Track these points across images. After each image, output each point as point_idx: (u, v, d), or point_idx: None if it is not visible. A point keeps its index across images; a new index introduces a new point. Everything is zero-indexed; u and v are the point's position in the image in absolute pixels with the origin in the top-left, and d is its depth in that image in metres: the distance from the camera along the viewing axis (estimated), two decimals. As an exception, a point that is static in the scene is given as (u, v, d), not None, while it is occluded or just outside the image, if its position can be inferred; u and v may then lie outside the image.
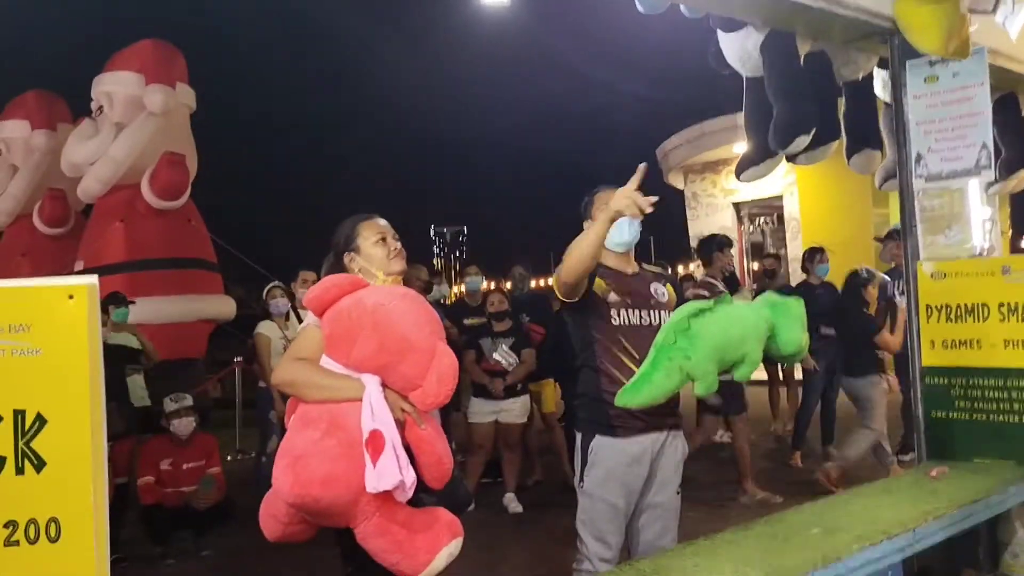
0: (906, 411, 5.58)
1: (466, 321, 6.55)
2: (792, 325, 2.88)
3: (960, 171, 3.78)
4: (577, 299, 2.83)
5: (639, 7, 3.95)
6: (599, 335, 2.86)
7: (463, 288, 7.45)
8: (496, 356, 5.87)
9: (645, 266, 3.11)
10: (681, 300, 3.08)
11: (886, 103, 4.74)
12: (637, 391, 2.64)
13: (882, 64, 4.41)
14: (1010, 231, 10.05)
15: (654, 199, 2.56)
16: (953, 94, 3.79)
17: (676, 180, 14.59)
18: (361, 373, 2.29)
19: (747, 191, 12.78)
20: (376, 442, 2.15)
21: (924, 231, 3.86)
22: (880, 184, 5.07)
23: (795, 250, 12.35)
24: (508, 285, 7.52)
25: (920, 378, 3.80)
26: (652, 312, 2.92)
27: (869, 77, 4.65)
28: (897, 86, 3.95)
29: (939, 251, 3.84)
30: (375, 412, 2.19)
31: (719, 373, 2.71)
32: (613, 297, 2.86)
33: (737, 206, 13.82)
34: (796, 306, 2.92)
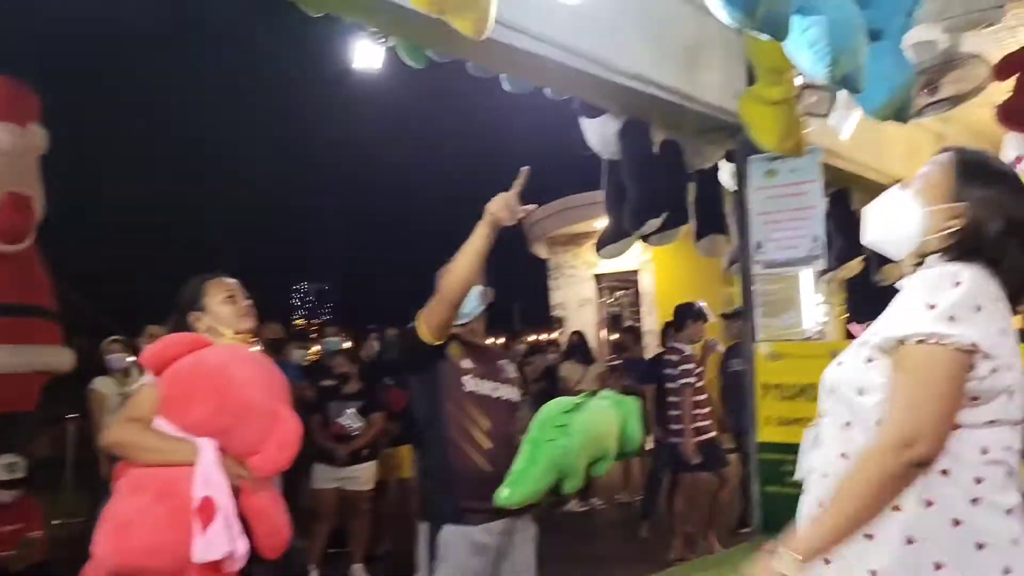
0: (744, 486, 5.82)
1: (323, 383, 6.41)
2: (634, 422, 2.96)
3: (794, 260, 4.06)
4: (441, 343, 2.69)
5: (506, 86, 4.10)
6: (449, 403, 2.72)
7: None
8: (341, 420, 5.73)
9: (493, 342, 3.09)
10: (524, 379, 3.10)
11: (732, 192, 5.05)
12: (518, 488, 2.59)
13: (729, 156, 4.70)
14: (846, 316, 10.75)
15: (530, 207, 2.56)
16: (790, 188, 4.10)
17: (540, 250, 14.91)
18: (197, 436, 2.21)
19: (607, 264, 13.19)
20: (207, 510, 2.07)
21: (762, 314, 4.11)
22: (727, 267, 5.35)
23: (650, 324, 12.78)
24: (376, 346, 7.43)
25: (755, 453, 3.99)
26: (502, 386, 2.83)
27: (717, 167, 4.95)
28: (741, 178, 4.23)
29: (775, 333, 4.09)
30: (208, 478, 2.12)
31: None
32: (468, 363, 2.76)
33: (598, 278, 14.22)
34: (635, 404, 3.04)
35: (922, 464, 1.53)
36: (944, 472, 1.55)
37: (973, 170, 1.70)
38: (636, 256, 12.51)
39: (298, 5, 3.00)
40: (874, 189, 5.51)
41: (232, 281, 2.56)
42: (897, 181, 1.87)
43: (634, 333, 9.89)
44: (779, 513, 4.05)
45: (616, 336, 12.64)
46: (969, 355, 1.53)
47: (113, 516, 2.17)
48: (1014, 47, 3.97)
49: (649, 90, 3.69)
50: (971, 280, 1.58)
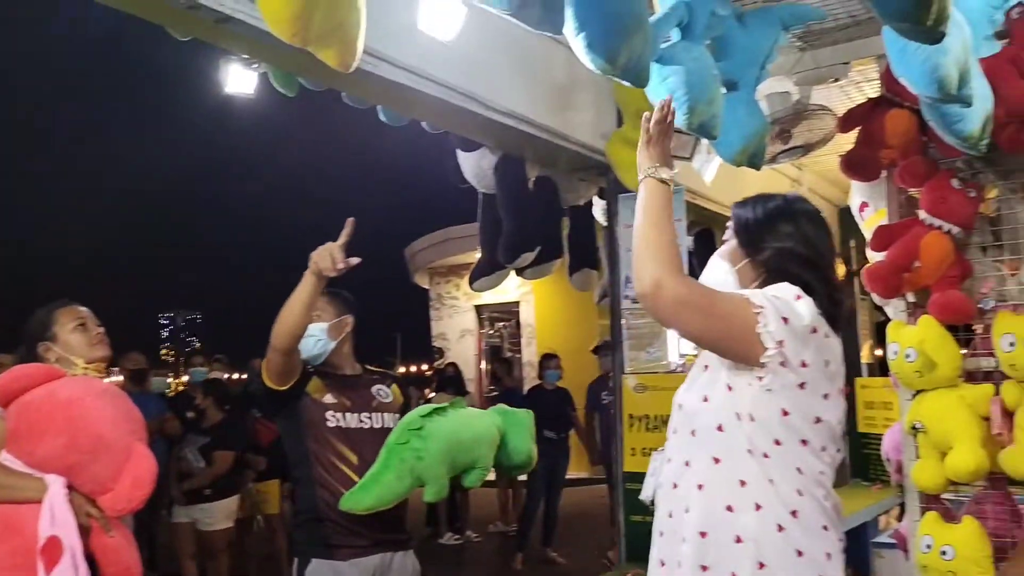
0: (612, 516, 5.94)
1: (189, 415, 6.22)
2: (522, 434, 2.90)
3: (659, 295, 4.20)
4: (288, 387, 2.65)
5: (382, 117, 4.12)
6: (314, 442, 2.68)
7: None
8: (185, 455, 5.54)
9: (369, 368, 2.99)
10: (407, 401, 3.00)
11: (605, 227, 5.19)
12: (366, 492, 2.52)
13: (601, 193, 4.85)
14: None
15: (354, 261, 2.53)
16: (657, 227, 4.24)
17: (422, 280, 14.91)
18: (45, 472, 2.11)
19: (488, 296, 13.29)
20: (53, 550, 1.98)
21: (629, 347, 4.23)
22: (598, 301, 5.48)
23: (530, 355, 12.94)
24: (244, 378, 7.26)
25: (621, 484, 4.09)
26: (374, 415, 2.78)
27: (590, 203, 5.09)
28: (611, 215, 4.37)
29: (641, 365, 4.21)
30: (56, 517, 2.03)
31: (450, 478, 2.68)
32: (329, 398, 2.72)
33: (479, 309, 14.30)
34: (526, 417, 2.97)
35: (643, 296, 1.78)
36: (771, 481, 1.71)
37: (751, 226, 1.92)
38: (516, 288, 12.68)
39: (166, 29, 2.95)
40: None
41: (83, 309, 2.46)
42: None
43: (507, 364, 10.01)
44: (644, 542, 4.16)
45: (490, 367, 12.77)
46: (761, 342, 1.69)
47: (-52, 558, 2.04)
48: (860, 100, 4.28)
49: (523, 128, 3.78)
50: (812, 304, 1.74)
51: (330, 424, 2.69)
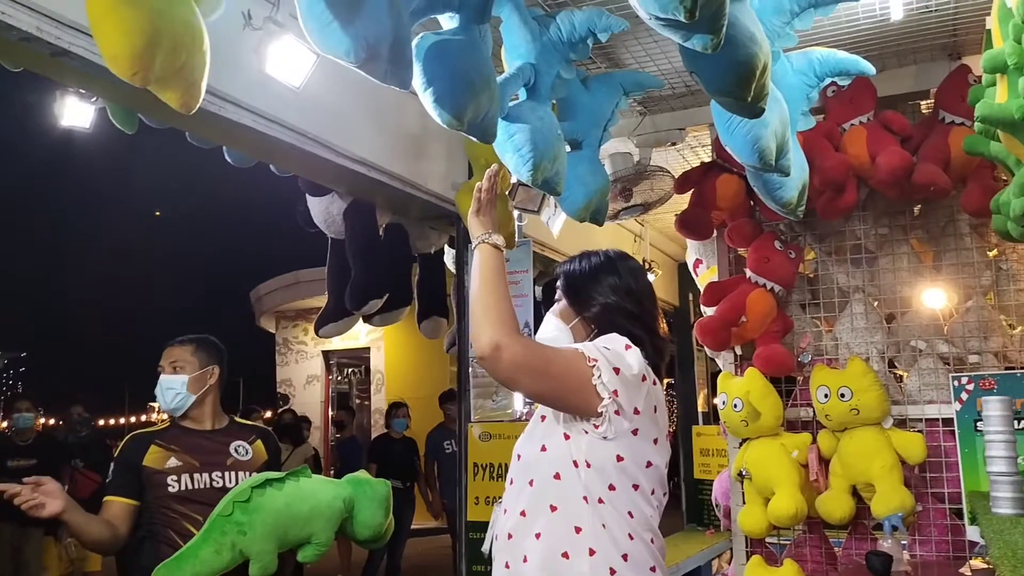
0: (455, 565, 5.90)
1: (10, 463, 5.80)
2: (373, 508, 2.76)
3: (507, 344, 4.26)
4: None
5: (228, 158, 4.02)
6: (158, 506, 2.56)
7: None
8: None
9: (238, 420, 2.86)
10: (274, 457, 2.84)
11: (454, 276, 5.24)
12: (180, 567, 2.38)
13: (451, 242, 4.90)
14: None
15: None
16: (504, 277, 4.32)
17: (268, 324, 14.46)
18: None
19: (337, 341, 13.02)
20: None
21: (475, 395, 4.26)
22: (447, 349, 5.50)
23: (379, 402, 12.74)
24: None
25: (465, 533, 4.09)
26: (227, 473, 2.65)
27: (441, 251, 5.13)
28: (460, 264, 4.42)
29: (487, 414, 4.25)
30: None
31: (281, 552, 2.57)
32: (172, 463, 2.59)
33: (327, 354, 13.99)
34: (382, 489, 2.81)
35: (482, 359, 1.78)
36: (604, 526, 1.76)
37: (577, 283, 2.02)
38: (367, 334, 12.51)
39: (-5, 57, 2.79)
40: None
41: None
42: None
43: (349, 412, 9.82)
44: (487, 591, 4.16)
45: (333, 415, 12.48)
46: (598, 393, 1.76)
47: None
48: (695, 164, 4.55)
49: (374, 175, 3.78)
50: (639, 354, 1.83)
51: (171, 489, 2.57)
